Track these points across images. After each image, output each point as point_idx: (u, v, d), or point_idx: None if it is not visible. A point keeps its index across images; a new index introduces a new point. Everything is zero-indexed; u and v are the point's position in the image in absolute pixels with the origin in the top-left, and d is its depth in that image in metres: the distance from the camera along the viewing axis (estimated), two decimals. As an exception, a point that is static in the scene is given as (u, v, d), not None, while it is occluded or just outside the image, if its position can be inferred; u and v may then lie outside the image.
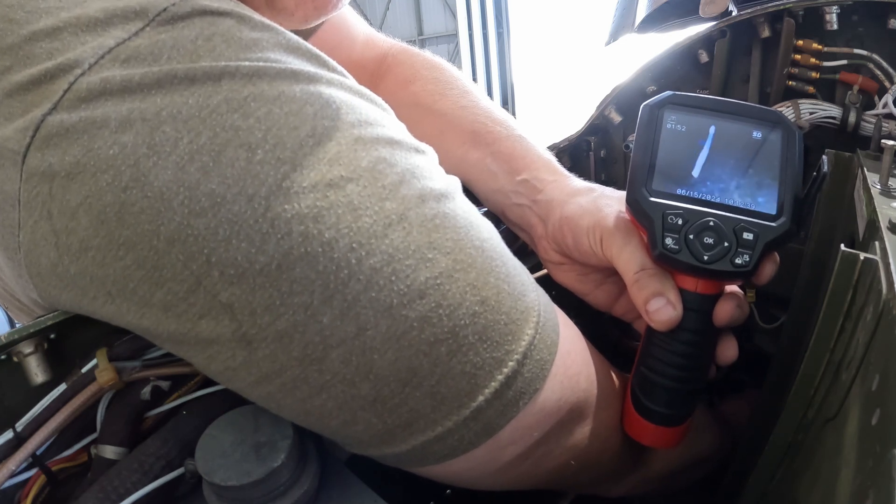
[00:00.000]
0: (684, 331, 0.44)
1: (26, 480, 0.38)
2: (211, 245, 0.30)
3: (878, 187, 0.49)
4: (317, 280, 0.31)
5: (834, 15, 0.74)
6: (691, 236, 0.41)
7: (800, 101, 0.77)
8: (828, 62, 0.76)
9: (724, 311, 0.43)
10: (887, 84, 0.72)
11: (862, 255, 0.35)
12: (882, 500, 0.22)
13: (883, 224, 0.39)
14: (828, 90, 0.78)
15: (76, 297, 0.33)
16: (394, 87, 0.66)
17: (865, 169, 0.54)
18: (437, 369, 0.34)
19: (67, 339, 0.39)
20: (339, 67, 0.37)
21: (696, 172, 0.43)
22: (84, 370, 0.40)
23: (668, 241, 0.42)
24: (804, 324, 0.65)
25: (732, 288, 0.46)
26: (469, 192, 0.60)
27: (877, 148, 0.68)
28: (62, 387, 0.39)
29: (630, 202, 0.44)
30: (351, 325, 0.32)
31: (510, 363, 0.37)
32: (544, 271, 0.71)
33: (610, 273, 0.51)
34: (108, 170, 0.30)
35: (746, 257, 0.41)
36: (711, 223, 0.41)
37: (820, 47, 0.76)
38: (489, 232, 0.39)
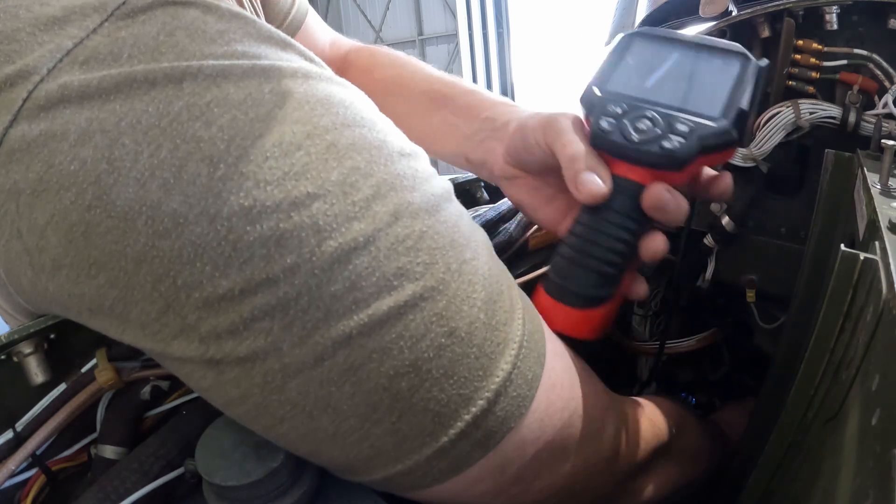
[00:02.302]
0: (612, 211, 0.44)
1: (26, 480, 0.38)
2: (176, 268, 0.29)
3: (878, 187, 0.49)
4: (277, 306, 0.30)
5: (834, 15, 0.74)
6: (626, 121, 0.43)
7: (800, 101, 0.77)
8: (828, 62, 0.76)
9: (652, 195, 0.43)
10: (887, 84, 0.72)
11: (862, 255, 0.35)
12: (882, 500, 0.22)
13: (883, 224, 0.39)
14: (828, 90, 0.78)
15: (62, 311, 0.33)
16: (358, 78, 0.67)
17: (865, 169, 0.54)
18: (398, 405, 0.33)
19: (67, 339, 0.39)
20: (317, 58, 0.36)
21: (650, 83, 0.45)
22: (84, 370, 0.40)
23: (604, 123, 0.43)
24: (804, 324, 0.65)
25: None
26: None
27: (877, 148, 0.68)
28: (62, 387, 0.39)
29: (581, 95, 0.46)
30: (309, 355, 0.31)
31: (479, 402, 0.35)
32: (541, 270, 0.71)
33: (561, 188, 0.50)
34: (71, 187, 0.28)
35: (677, 143, 0.41)
36: (649, 114, 0.43)
37: (820, 47, 0.76)
38: (474, 251, 0.36)
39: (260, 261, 0.29)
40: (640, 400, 0.57)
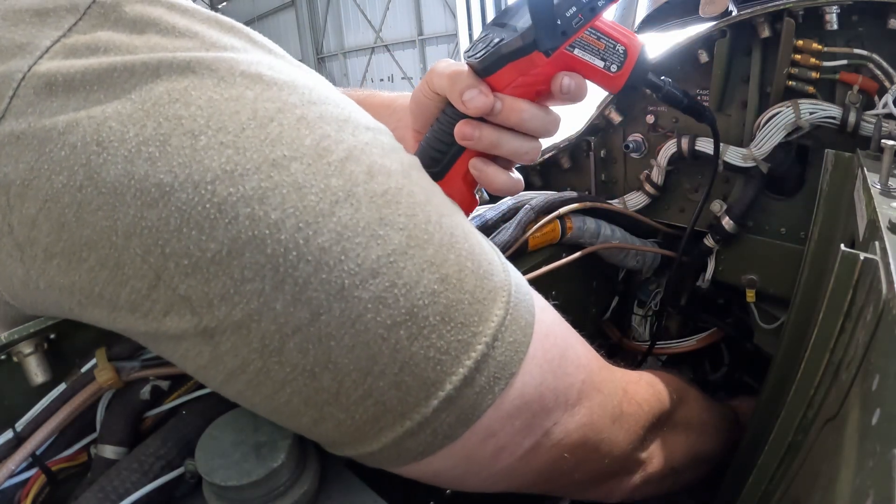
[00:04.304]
0: (451, 115, 0.51)
1: (26, 480, 0.38)
2: (164, 236, 0.30)
3: (878, 187, 0.49)
4: (266, 264, 0.30)
5: (834, 15, 0.74)
6: (480, 41, 0.50)
7: (800, 101, 0.77)
8: (828, 62, 0.76)
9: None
10: (887, 84, 0.72)
11: (862, 255, 0.35)
12: (882, 500, 0.22)
13: (883, 224, 0.39)
14: (828, 90, 0.78)
15: (55, 310, 0.33)
16: None
17: (865, 169, 0.54)
18: (399, 355, 0.33)
19: (67, 339, 0.39)
20: (279, 48, 0.38)
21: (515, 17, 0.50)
22: (83, 370, 0.40)
23: (472, 46, 0.50)
24: (804, 324, 0.65)
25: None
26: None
27: (877, 148, 0.68)
28: (62, 386, 0.39)
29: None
30: (304, 311, 0.31)
31: (478, 346, 0.35)
32: (541, 270, 0.71)
33: None
34: (62, 171, 0.30)
35: (482, 50, 0.48)
36: (488, 34, 0.49)
37: (820, 47, 0.76)
38: (451, 210, 0.38)
39: (245, 219, 0.30)
40: (637, 371, 0.58)
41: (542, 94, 0.50)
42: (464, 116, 0.50)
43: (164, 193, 0.30)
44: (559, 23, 0.45)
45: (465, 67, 0.50)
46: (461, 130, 0.50)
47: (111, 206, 0.30)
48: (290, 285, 0.31)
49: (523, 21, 0.46)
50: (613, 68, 0.50)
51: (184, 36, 0.34)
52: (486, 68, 0.48)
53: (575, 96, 0.50)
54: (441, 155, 0.52)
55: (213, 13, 0.36)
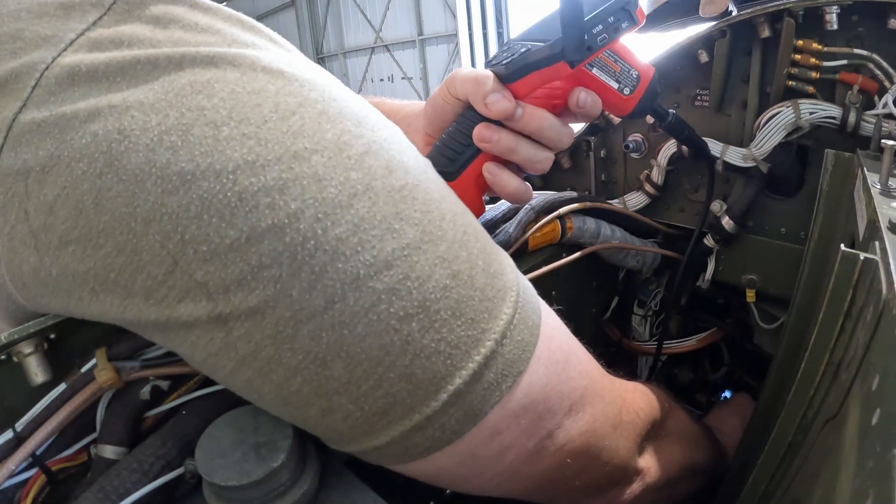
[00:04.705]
0: (471, 119, 0.53)
1: (26, 480, 0.38)
2: (184, 223, 0.30)
3: (878, 187, 0.49)
4: (284, 252, 0.31)
5: (834, 15, 0.74)
6: (502, 52, 0.52)
7: (800, 101, 0.77)
8: (828, 62, 0.76)
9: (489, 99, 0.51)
10: (887, 84, 0.72)
11: (862, 255, 0.35)
12: (882, 500, 0.22)
13: (883, 224, 0.39)
14: (828, 90, 0.78)
15: (62, 301, 0.33)
16: None
17: (865, 169, 0.54)
18: (410, 347, 0.34)
19: (67, 339, 0.39)
20: (295, 49, 0.38)
21: (542, 31, 0.53)
22: (83, 370, 0.40)
23: (495, 56, 0.53)
24: (804, 324, 0.65)
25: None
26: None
27: (877, 148, 0.68)
28: (62, 386, 0.39)
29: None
30: (319, 298, 0.32)
31: (488, 342, 0.36)
32: (541, 270, 0.71)
33: None
34: (83, 158, 0.30)
35: (506, 61, 0.50)
36: (513, 46, 0.51)
37: (820, 47, 0.76)
38: (463, 209, 0.39)
39: (265, 208, 0.31)
40: (631, 381, 0.59)
41: (558, 108, 0.52)
42: (483, 119, 0.51)
43: (185, 181, 0.30)
44: (586, 38, 0.47)
45: (490, 73, 0.51)
46: (480, 133, 0.51)
47: (131, 193, 0.30)
48: (306, 273, 0.31)
49: (550, 35, 0.49)
50: (626, 91, 0.53)
51: (206, 32, 0.34)
52: (511, 74, 0.50)
53: (589, 112, 0.52)
54: (457, 155, 0.53)
55: (234, 12, 0.37)
